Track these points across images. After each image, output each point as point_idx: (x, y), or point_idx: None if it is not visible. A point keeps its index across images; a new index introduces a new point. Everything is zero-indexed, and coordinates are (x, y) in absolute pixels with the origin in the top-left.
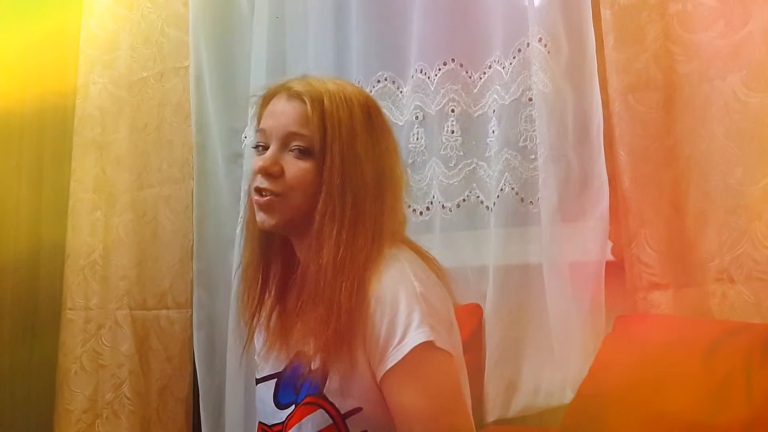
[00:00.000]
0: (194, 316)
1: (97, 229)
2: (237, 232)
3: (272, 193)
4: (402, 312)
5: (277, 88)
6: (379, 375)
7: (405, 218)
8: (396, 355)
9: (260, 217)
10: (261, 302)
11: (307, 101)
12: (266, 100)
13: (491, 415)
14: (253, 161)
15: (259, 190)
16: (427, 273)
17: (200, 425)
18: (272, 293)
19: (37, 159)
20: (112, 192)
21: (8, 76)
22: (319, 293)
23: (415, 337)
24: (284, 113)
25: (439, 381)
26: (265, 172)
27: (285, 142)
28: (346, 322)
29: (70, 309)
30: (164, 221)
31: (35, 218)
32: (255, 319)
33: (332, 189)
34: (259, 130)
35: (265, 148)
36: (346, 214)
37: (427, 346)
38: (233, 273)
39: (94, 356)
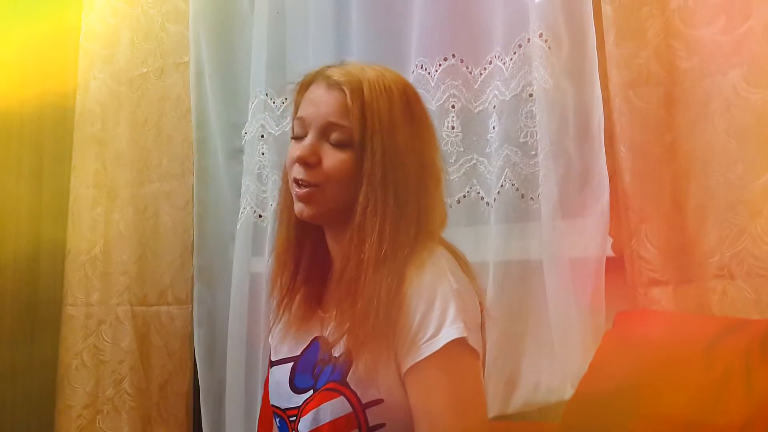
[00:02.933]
0: (195, 312)
1: (98, 224)
2: (237, 227)
3: (310, 183)
4: (437, 306)
5: (315, 75)
6: (405, 366)
7: (445, 216)
8: (428, 348)
9: (299, 207)
10: (291, 287)
11: (346, 91)
12: (304, 87)
13: (491, 410)
14: (290, 149)
15: (297, 181)
16: (461, 272)
17: (201, 421)
18: (300, 279)
19: (37, 156)
20: (113, 188)
21: (8, 75)
22: (359, 289)
23: (450, 332)
24: (324, 102)
25: (465, 379)
26: (303, 161)
27: (323, 131)
28: (385, 318)
29: (70, 305)
30: (165, 217)
31: (36, 215)
32: (284, 303)
33: (374, 182)
34: (297, 119)
35: (302, 137)
36: (389, 208)
37: (460, 343)
38: (233, 269)
39: (95, 352)
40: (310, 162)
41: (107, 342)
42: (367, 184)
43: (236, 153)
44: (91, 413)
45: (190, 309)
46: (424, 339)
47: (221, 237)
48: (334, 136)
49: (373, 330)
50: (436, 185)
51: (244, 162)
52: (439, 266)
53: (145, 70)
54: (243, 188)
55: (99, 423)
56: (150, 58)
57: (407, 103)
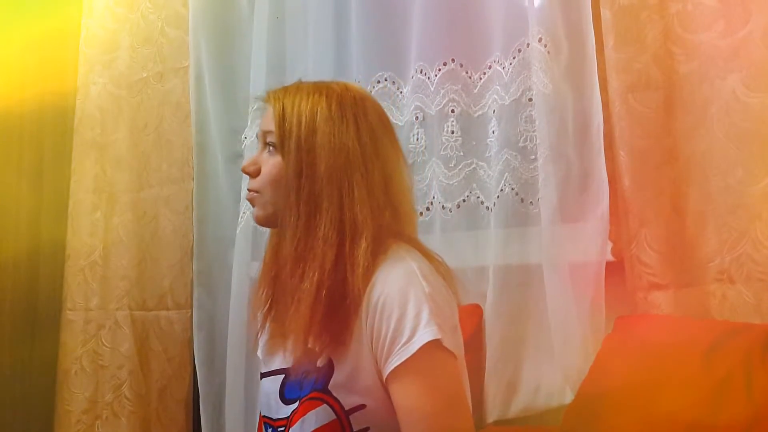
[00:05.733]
0: (194, 316)
1: (97, 229)
2: (237, 232)
3: (253, 190)
4: (410, 311)
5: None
6: (385, 373)
7: (410, 216)
8: (403, 353)
9: (252, 212)
10: (271, 297)
11: (271, 103)
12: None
13: (491, 415)
14: None
15: (248, 190)
16: (434, 275)
17: (200, 426)
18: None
19: (37, 159)
20: (112, 192)
21: (8, 76)
22: (281, 285)
23: (423, 335)
24: (264, 117)
25: (443, 380)
26: (244, 171)
27: (263, 142)
28: (307, 313)
29: (70, 309)
30: (164, 221)
31: (35, 218)
32: (264, 313)
33: (289, 181)
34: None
35: None
36: (301, 204)
37: (434, 345)
38: (233, 273)
39: (94, 357)
40: (249, 171)
41: (106, 347)
42: (285, 185)
43: (236, 157)
44: (90, 418)
45: (190, 314)
46: (400, 344)
47: (221, 241)
48: (268, 142)
49: (295, 323)
50: (376, 184)
51: None
52: (408, 270)
53: (144, 75)
54: (243, 192)
55: (98, 428)
56: (150, 62)
57: (340, 105)
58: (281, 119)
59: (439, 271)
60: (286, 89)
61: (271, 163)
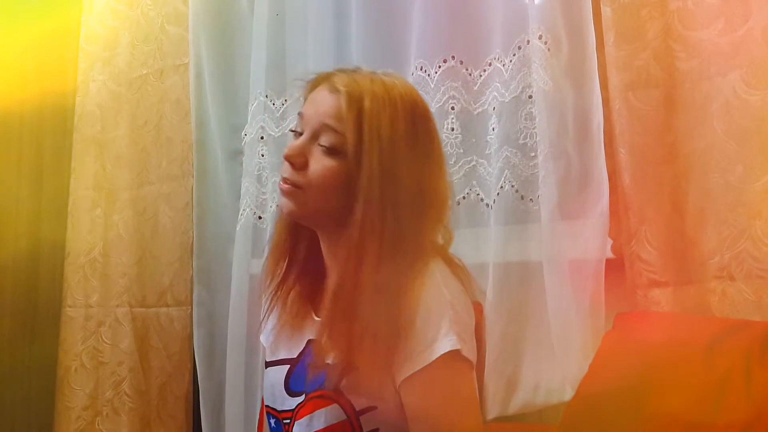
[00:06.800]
0: (194, 313)
1: (97, 226)
2: (237, 229)
3: (293, 183)
4: (431, 319)
5: (324, 77)
6: (401, 377)
7: (449, 238)
8: (421, 360)
9: (281, 201)
10: (285, 281)
11: (345, 97)
12: (313, 86)
13: (491, 412)
14: (289, 143)
15: (282, 178)
16: (454, 279)
17: (200, 423)
18: (294, 275)
19: (37, 157)
20: (112, 189)
21: (8, 75)
22: (356, 312)
23: (444, 344)
24: (323, 103)
25: (459, 390)
26: (287, 160)
27: (316, 133)
28: (381, 341)
29: (70, 306)
30: (164, 218)
31: (35, 216)
32: (277, 296)
33: (371, 199)
34: (299, 114)
35: (300, 134)
36: (387, 228)
37: (453, 355)
38: (233, 270)
39: (94, 354)
40: (295, 163)
41: (106, 343)
42: (364, 201)
43: (236, 154)
44: (90, 415)
45: (190, 311)
46: (419, 351)
47: (221, 238)
48: (325, 138)
49: (369, 353)
50: (438, 209)
51: (243, 163)
52: (433, 279)
53: (144, 72)
54: (243, 190)
55: (98, 425)
56: (150, 59)
57: (412, 123)
58: (358, 126)
59: (457, 274)
60: (354, 81)
61: (326, 165)
